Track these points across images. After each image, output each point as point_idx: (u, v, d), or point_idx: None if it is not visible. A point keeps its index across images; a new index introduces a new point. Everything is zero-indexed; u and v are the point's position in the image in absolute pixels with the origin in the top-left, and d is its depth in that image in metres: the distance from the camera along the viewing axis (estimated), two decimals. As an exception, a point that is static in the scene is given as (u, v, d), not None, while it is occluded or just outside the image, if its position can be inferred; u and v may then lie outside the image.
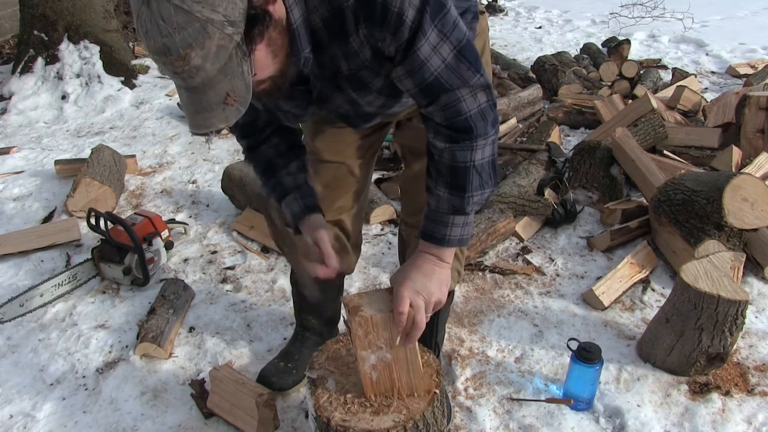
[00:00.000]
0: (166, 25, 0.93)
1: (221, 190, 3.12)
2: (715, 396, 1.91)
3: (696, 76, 4.73)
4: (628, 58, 4.99)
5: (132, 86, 4.92)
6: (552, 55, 5.12)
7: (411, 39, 1.12)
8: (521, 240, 2.78)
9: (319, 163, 1.67)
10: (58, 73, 4.72)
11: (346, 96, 1.32)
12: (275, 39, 1.08)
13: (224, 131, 3.89)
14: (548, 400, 1.90)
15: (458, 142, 1.24)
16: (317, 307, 1.97)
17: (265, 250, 2.78)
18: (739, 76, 4.91)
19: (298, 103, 1.34)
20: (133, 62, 5.21)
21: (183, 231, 2.89)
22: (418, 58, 1.14)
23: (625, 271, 2.41)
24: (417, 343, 1.37)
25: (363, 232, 2.00)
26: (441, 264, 1.33)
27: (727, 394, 1.93)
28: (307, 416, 1.87)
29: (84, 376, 2.07)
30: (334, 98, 1.33)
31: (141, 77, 5.09)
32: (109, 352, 2.17)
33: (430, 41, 1.13)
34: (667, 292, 2.32)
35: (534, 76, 4.83)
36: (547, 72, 4.68)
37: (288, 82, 1.19)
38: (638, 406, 1.89)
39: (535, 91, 4.29)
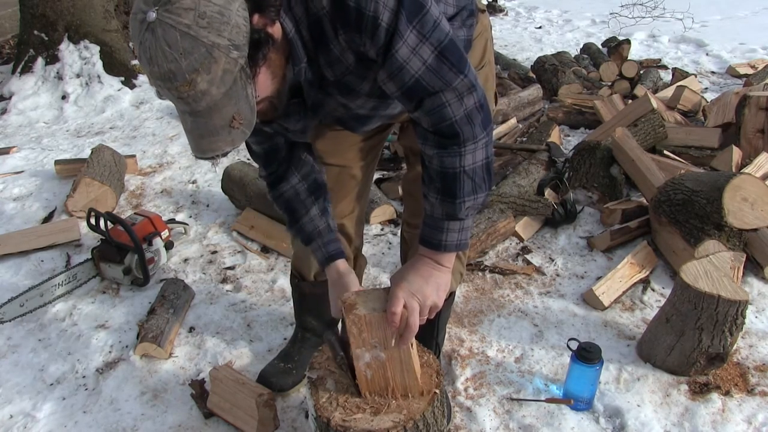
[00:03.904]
0: (171, 51, 0.94)
1: (221, 190, 3.13)
2: (715, 396, 1.91)
3: (696, 76, 4.73)
4: (628, 58, 4.99)
5: (132, 86, 4.92)
6: (552, 55, 5.12)
7: (388, 42, 1.10)
8: (521, 240, 2.78)
9: (320, 166, 1.67)
10: (58, 73, 4.72)
11: (336, 101, 1.32)
12: (274, 60, 1.09)
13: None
14: (548, 400, 1.90)
15: (446, 147, 1.22)
16: (318, 308, 1.98)
17: (265, 250, 2.78)
18: (739, 76, 4.92)
19: (297, 117, 1.34)
20: (133, 62, 5.20)
21: (183, 231, 2.89)
22: (396, 61, 1.12)
23: (625, 271, 2.41)
24: (414, 345, 1.37)
25: (363, 232, 2.00)
26: (439, 268, 1.33)
27: (727, 394, 1.93)
28: (307, 416, 1.87)
29: (84, 376, 2.07)
30: (327, 103, 1.33)
31: (141, 77, 5.09)
32: (109, 352, 2.17)
33: (408, 43, 1.10)
34: (667, 292, 2.32)
35: (534, 76, 4.83)
36: (547, 72, 4.68)
37: (284, 101, 1.19)
38: (638, 406, 1.89)
39: (535, 91, 4.29)
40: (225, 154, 1.08)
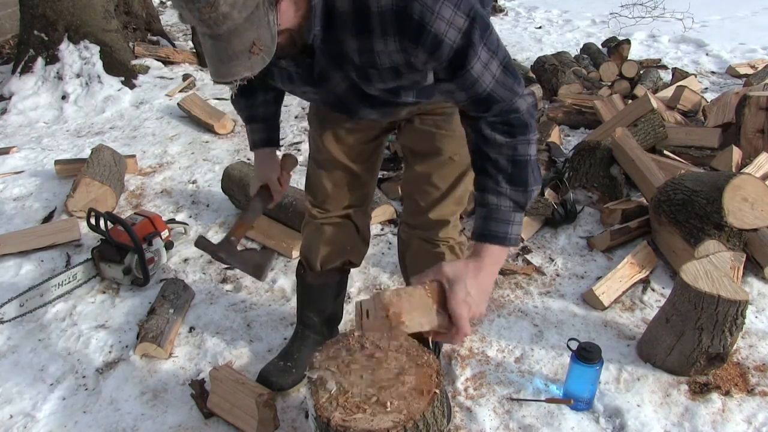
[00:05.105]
0: None
1: (221, 190, 3.12)
2: (715, 396, 1.91)
3: (696, 76, 4.73)
4: (628, 58, 4.99)
5: (132, 86, 4.92)
6: (552, 55, 5.12)
7: (462, 59, 1.15)
8: (521, 240, 2.78)
9: (328, 162, 1.72)
10: (58, 73, 4.72)
11: (346, 75, 1.32)
12: None
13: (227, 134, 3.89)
14: (548, 400, 1.90)
15: (515, 136, 1.27)
16: (320, 301, 1.99)
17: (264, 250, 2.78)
18: (739, 76, 4.91)
19: (298, 71, 1.35)
20: (133, 62, 5.20)
21: (183, 231, 2.89)
22: (471, 77, 1.18)
23: (625, 271, 2.41)
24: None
25: (369, 225, 2.03)
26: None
27: (727, 394, 1.93)
28: (307, 416, 1.87)
29: (84, 376, 2.07)
30: (333, 77, 1.33)
31: (141, 77, 5.09)
32: (109, 352, 2.17)
33: (481, 60, 1.17)
34: (667, 292, 2.32)
35: (534, 76, 4.82)
36: (547, 72, 4.68)
37: (304, 39, 1.19)
38: (638, 406, 1.89)
39: (535, 91, 4.29)
40: (243, 80, 1.09)
